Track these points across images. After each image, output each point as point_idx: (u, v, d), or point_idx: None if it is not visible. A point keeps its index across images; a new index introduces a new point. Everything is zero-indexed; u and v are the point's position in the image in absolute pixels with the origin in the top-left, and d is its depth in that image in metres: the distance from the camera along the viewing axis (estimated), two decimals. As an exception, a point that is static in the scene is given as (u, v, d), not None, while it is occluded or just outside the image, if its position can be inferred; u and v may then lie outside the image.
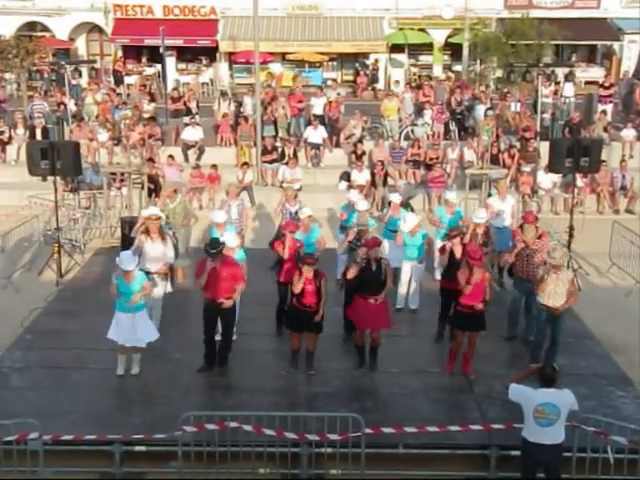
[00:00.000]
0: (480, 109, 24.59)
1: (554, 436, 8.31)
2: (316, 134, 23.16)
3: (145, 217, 12.93)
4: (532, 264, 12.11)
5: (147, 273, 11.82)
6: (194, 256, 14.07)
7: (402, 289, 13.74)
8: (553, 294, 11.14)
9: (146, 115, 24.64)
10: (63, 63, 24.73)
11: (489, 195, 17.83)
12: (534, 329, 11.89)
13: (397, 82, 31.10)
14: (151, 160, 21.00)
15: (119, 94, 28.70)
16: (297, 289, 10.99)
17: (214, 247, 10.94)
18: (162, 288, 12.63)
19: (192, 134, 23.41)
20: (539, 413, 8.22)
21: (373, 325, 11.40)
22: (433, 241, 13.88)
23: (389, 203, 14.83)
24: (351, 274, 11.39)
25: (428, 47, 38.15)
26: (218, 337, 11.52)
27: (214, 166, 21.49)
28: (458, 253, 12.11)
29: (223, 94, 27.12)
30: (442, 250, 12.72)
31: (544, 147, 20.14)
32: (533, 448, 8.38)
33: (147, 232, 12.50)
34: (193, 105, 25.18)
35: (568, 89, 27.63)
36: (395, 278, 14.18)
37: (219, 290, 11.05)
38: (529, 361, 11.50)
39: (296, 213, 14.25)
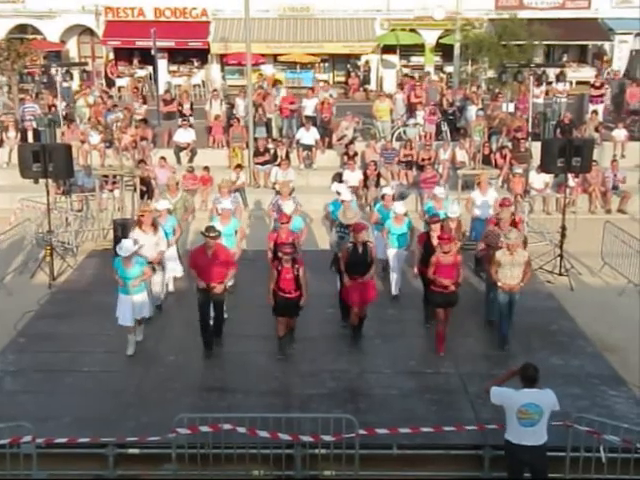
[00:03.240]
0: (472, 110, 24.63)
1: (537, 437, 8.32)
2: (308, 135, 23.16)
3: (148, 209, 13.58)
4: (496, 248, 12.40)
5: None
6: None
7: (393, 275, 14.19)
8: (509, 275, 11.71)
9: (138, 117, 24.61)
10: (54, 66, 24.63)
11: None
12: (494, 312, 12.49)
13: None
14: (142, 162, 20.98)
15: (111, 96, 28.65)
16: (273, 277, 11.51)
17: (212, 231, 11.75)
18: (159, 277, 13.25)
19: (184, 136, 23.38)
20: (522, 414, 8.22)
21: (362, 301, 12.09)
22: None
23: (382, 196, 15.03)
24: (343, 261, 12.09)
25: (419, 48, 38.21)
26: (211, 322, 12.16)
27: (206, 168, 21.49)
28: (435, 240, 12.44)
29: (214, 92, 27.04)
30: (420, 239, 13.11)
31: (536, 147, 20.18)
32: (516, 450, 8.39)
33: (139, 225, 12.97)
34: (186, 107, 25.13)
35: (559, 89, 27.69)
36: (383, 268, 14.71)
37: (212, 276, 11.66)
38: (497, 345, 12.18)
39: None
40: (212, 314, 12.06)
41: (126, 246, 11.57)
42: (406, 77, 32.52)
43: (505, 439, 8.49)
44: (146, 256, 12.51)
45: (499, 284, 11.84)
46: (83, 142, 23.03)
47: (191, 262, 11.99)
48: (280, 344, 11.97)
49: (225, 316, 12.39)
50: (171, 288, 14.17)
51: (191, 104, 25.68)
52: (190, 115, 24.82)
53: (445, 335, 12.04)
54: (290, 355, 11.95)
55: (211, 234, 11.70)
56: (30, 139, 22.69)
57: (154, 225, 13.01)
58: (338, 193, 14.67)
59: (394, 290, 14.20)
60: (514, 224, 13.26)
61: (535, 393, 8.28)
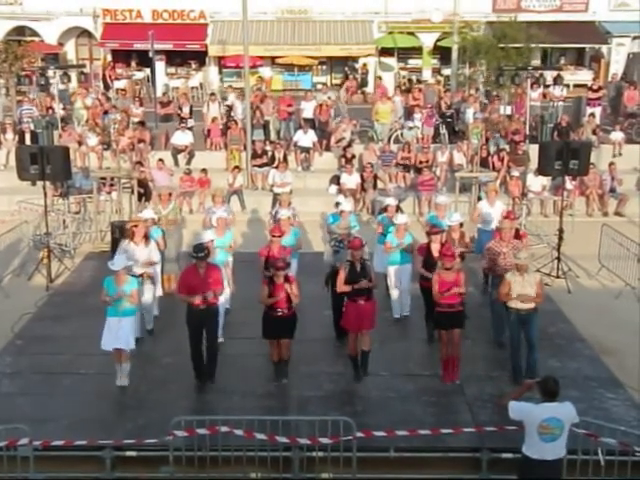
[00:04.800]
0: (469, 112, 24.66)
1: (557, 451, 8.06)
2: (306, 138, 23.19)
3: (141, 219, 13.09)
4: (499, 265, 12.12)
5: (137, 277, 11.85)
6: (185, 260, 14.02)
7: (394, 294, 13.51)
8: (522, 296, 11.04)
9: (135, 119, 24.61)
10: (52, 68, 24.64)
11: (479, 198, 17.87)
12: (504, 331, 12.02)
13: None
14: (140, 164, 20.97)
15: (109, 98, 28.66)
16: (265, 294, 10.87)
17: (200, 251, 10.97)
18: (151, 291, 12.73)
19: (182, 138, 23.38)
20: (544, 429, 7.91)
21: (359, 326, 11.21)
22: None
23: (385, 208, 14.50)
24: (341, 283, 11.22)
25: (417, 51, 38.24)
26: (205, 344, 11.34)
27: (204, 170, 21.51)
28: (436, 251, 12.11)
29: (212, 95, 27.04)
30: (420, 250, 12.68)
31: (533, 150, 20.19)
32: (536, 465, 8.05)
33: (131, 236, 12.59)
34: (186, 110, 25.11)
35: (556, 92, 27.74)
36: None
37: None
38: (512, 368, 11.44)
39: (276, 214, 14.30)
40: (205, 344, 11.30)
41: (118, 260, 11.04)
42: (379, 79, 32.51)
43: (523, 454, 8.13)
44: (135, 271, 12.00)
45: (510, 304, 11.14)
46: (80, 144, 23.03)
47: (181, 284, 11.13)
48: (276, 369, 11.40)
49: (221, 340, 11.79)
50: (156, 312, 13.36)
51: (190, 107, 25.66)
52: (189, 118, 24.81)
53: (457, 361, 11.34)
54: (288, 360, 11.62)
55: (199, 255, 10.89)
56: (28, 141, 22.68)
57: (146, 237, 12.58)
58: (337, 205, 14.21)
59: (395, 312, 13.48)
60: (518, 237, 13.04)
61: (556, 407, 7.96)
